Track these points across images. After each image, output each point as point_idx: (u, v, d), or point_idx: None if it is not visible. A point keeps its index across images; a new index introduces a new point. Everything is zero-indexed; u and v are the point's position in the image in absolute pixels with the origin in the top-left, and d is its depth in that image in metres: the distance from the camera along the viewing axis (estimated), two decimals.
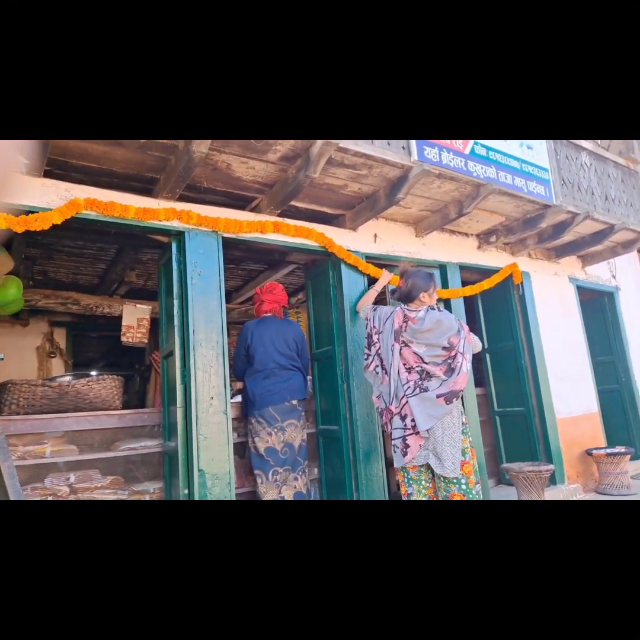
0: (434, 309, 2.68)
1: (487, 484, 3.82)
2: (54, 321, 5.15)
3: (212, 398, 2.78)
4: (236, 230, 3.03)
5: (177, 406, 2.78)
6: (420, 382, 2.58)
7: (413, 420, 2.54)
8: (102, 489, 2.87)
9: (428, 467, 2.60)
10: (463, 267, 4.18)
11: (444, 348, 2.59)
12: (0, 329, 4.78)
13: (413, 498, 2.61)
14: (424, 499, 2.60)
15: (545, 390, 4.31)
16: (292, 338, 3.31)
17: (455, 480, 2.50)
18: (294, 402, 3.18)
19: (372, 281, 3.51)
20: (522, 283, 4.47)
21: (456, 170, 3.24)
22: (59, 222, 2.44)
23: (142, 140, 2.49)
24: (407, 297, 2.74)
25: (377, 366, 2.76)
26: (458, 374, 2.55)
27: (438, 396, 2.52)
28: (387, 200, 3.27)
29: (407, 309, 2.70)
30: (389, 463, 3.15)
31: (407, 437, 2.57)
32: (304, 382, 3.32)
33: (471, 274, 4.35)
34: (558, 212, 3.92)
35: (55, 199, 2.53)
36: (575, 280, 5.17)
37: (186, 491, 2.68)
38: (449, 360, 2.59)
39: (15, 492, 2.35)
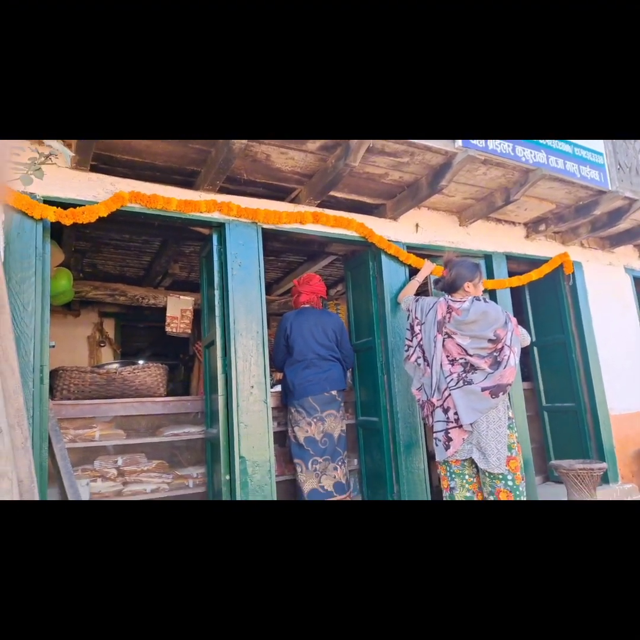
0: (479, 300, 2.59)
1: (534, 480, 3.69)
2: (104, 312, 5.35)
3: (252, 387, 2.81)
4: (275, 221, 3.03)
5: (219, 394, 2.83)
6: (464, 375, 2.51)
7: (456, 413, 2.47)
8: (148, 473, 2.96)
9: (471, 461, 2.53)
10: (510, 257, 4.02)
11: (490, 340, 2.51)
12: (54, 319, 4.96)
13: (456, 492, 2.55)
14: (467, 493, 2.54)
15: (598, 386, 4.10)
16: (331, 329, 3.29)
17: (500, 476, 2.42)
18: (334, 392, 3.17)
19: (413, 272, 3.43)
20: (573, 273, 4.25)
21: (503, 155, 3.10)
22: (104, 215, 2.51)
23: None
24: (451, 287, 2.66)
25: (418, 358, 2.70)
26: (505, 367, 2.46)
27: (483, 389, 2.44)
28: (429, 189, 3.18)
29: (451, 300, 2.62)
30: (431, 456, 3.09)
31: (449, 431, 2.51)
32: (343, 372, 3.30)
33: (518, 264, 4.17)
34: (613, 198, 3.69)
35: (101, 192, 2.60)
36: (632, 270, 4.86)
37: (228, 477, 2.73)
38: (495, 353, 2.50)
39: (67, 473, 2.47)
